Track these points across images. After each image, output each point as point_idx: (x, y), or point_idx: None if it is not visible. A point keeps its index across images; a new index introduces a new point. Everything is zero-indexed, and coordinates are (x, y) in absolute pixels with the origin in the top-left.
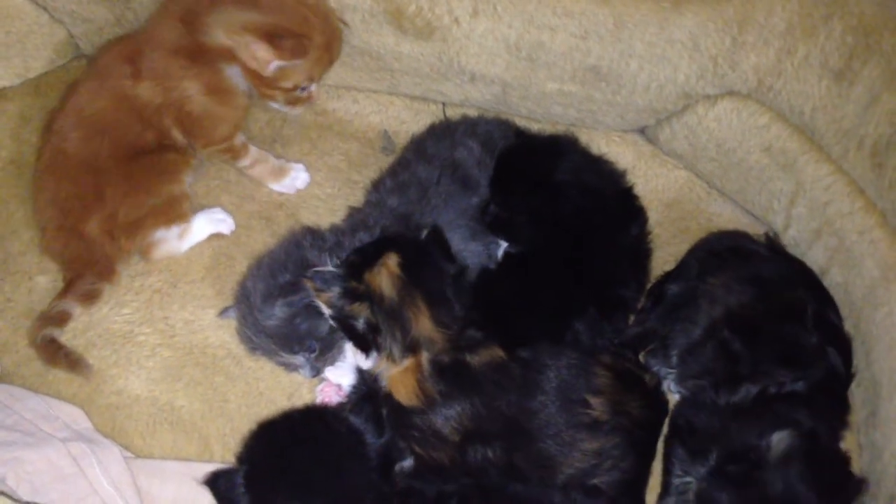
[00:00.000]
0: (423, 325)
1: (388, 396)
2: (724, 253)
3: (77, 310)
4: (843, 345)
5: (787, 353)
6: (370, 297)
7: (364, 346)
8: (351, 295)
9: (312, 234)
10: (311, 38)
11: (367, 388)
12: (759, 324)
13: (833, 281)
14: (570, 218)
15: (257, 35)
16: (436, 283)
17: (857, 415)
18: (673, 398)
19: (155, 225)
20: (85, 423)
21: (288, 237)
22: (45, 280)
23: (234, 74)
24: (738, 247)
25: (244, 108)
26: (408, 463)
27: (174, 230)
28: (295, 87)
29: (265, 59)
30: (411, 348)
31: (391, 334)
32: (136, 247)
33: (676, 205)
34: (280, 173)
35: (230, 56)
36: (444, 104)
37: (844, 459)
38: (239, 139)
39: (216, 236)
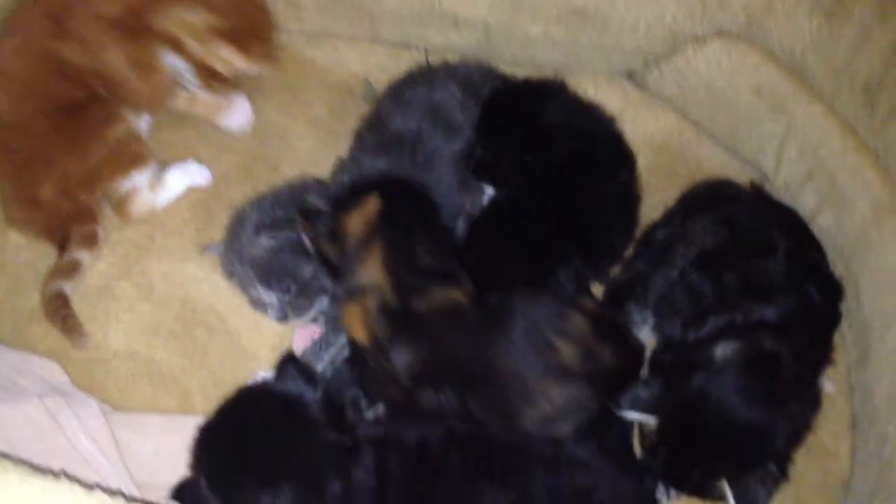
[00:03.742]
0: (372, 268)
1: (347, 333)
2: (706, 198)
3: (84, 255)
4: (828, 283)
5: (752, 283)
6: (340, 238)
7: (336, 278)
8: (330, 235)
9: (319, 183)
10: (271, 40)
11: (287, 352)
12: (725, 260)
13: (824, 224)
14: (558, 162)
15: (226, 39)
16: (405, 230)
17: (849, 356)
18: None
19: (112, 174)
20: (62, 377)
21: (295, 181)
22: (16, 236)
23: (169, 59)
24: (721, 192)
25: (170, 88)
26: (379, 409)
27: (139, 178)
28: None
29: (232, 62)
30: (358, 292)
31: (348, 276)
32: (98, 198)
33: (665, 150)
34: (219, 107)
35: (176, 46)
36: (426, 50)
37: (810, 387)
38: (165, 106)
39: (194, 188)
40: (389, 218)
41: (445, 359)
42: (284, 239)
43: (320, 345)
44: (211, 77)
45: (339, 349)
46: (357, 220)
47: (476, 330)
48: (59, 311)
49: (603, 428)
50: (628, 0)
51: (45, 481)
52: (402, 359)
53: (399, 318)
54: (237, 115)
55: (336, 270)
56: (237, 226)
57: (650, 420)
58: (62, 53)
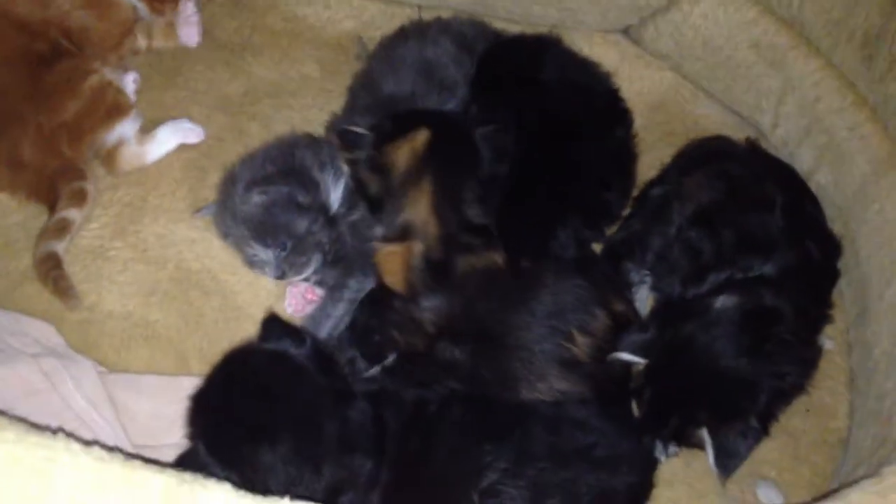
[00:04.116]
0: (421, 209)
1: (378, 275)
2: (702, 155)
3: (74, 214)
4: (825, 239)
5: (750, 238)
6: (384, 169)
7: (373, 214)
8: (370, 164)
9: (311, 138)
10: None
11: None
12: (723, 216)
13: (822, 180)
14: (554, 118)
15: None
16: (454, 173)
17: (847, 313)
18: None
19: (93, 126)
20: (56, 339)
21: (286, 137)
22: (6, 198)
23: None
24: (717, 149)
25: (129, 20)
26: (390, 360)
27: (122, 129)
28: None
29: None
30: (403, 232)
31: (389, 211)
32: (84, 153)
33: (662, 107)
34: (170, 28)
35: None
36: (419, 7)
37: (809, 345)
38: (128, 44)
39: (186, 148)
40: (439, 155)
41: (472, 316)
42: (276, 194)
43: (319, 317)
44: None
45: (337, 319)
46: (404, 153)
47: (506, 295)
48: (51, 272)
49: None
50: None
51: (43, 438)
52: (434, 310)
53: (439, 271)
54: (189, 27)
55: (374, 203)
56: (228, 185)
57: (641, 362)
58: (15, 10)
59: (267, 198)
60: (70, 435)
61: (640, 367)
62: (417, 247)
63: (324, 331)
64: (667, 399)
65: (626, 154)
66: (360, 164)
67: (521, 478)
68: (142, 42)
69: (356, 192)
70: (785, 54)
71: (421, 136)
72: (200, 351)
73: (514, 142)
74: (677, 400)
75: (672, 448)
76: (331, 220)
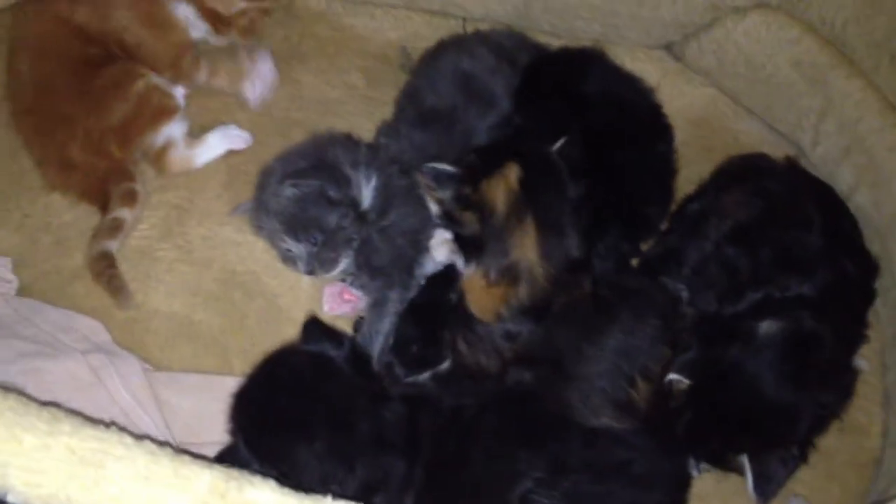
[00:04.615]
0: (528, 252)
1: (461, 297)
2: (740, 172)
3: (126, 213)
4: (863, 258)
5: (789, 257)
6: (481, 208)
7: (468, 251)
8: (462, 201)
9: (347, 137)
10: None
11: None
12: (760, 233)
13: (861, 201)
14: (596, 131)
15: None
16: (553, 208)
17: (884, 333)
18: None
19: (141, 129)
20: (104, 335)
21: (322, 134)
22: (58, 198)
23: (181, 10)
24: (755, 166)
25: (185, 43)
26: (445, 366)
27: (170, 131)
28: (252, 24)
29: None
30: (509, 274)
31: (493, 253)
32: (133, 154)
33: (702, 123)
34: (240, 76)
35: None
36: (464, 19)
37: (845, 372)
38: (187, 61)
39: (232, 153)
40: (535, 190)
41: (550, 344)
42: (307, 187)
43: (369, 333)
44: (216, 20)
45: (387, 334)
46: (501, 192)
47: (583, 324)
48: (105, 270)
49: None
50: None
51: (97, 430)
52: (518, 338)
53: (538, 309)
54: (259, 81)
55: (471, 243)
56: (263, 180)
57: (683, 381)
58: (74, 18)
59: (298, 191)
60: (122, 429)
61: (682, 386)
62: (523, 290)
63: (376, 347)
64: (708, 422)
65: (666, 169)
66: (451, 203)
67: (556, 488)
68: (203, 75)
69: (448, 229)
70: (826, 73)
71: (513, 173)
72: (243, 351)
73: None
74: (719, 424)
75: (705, 464)
76: (361, 217)
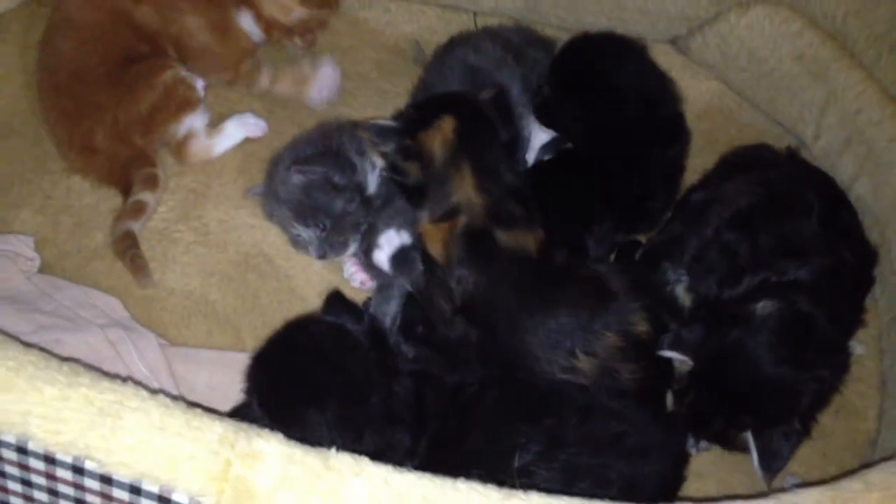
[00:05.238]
0: (466, 191)
1: (422, 246)
2: (743, 162)
3: (148, 196)
4: (861, 246)
5: (787, 243)
6: (421, 157)
7: (411, 200)
8: (404, 152)
9: (353, 125)
10: None
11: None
12: (760, 220)
13: (861, 190)
14: (617, 122)
15: None
16: (487, 151)
17: (881, 319)
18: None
19: (165, 120)
20: (122, 312)
21: (329, 122)
22: (79, 180)
23: (243, 18)
24: (757, 156)
25: (247, 49)
26: (419, 330)
27: (191, 122)
28: (308, 31)
29: (289, 6)
30: (451, 213)
31: (434, 196)
32: (154, 143)
33: (707, 116)
34: (306, 81)
35: (244, 1)
36: (474, 13)
37: (840, 351)
38: (246, 66)
39: (248, 140)
40: (468, 137)
41: (489, 303)
42: (313, 174)
43: (378, 316)
44: (273, 28)
45: (394, 316)
46: (438, 142)
47: (524, 293)
48: (128, 250)
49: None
50: None
51: (113, 384)
52: (461, 281)
53: (476, 242)
54: (325, 87)
55: (415, 191)
56: (273, 168)
57: (686, 362)
58: (135, 16)
59: (304, 178)
60: (138, 383)
61: (685, 368)
62: (462, 220)
63: (389, 316)
64: (712, 402)
65: (674, 170)
66: (394, 155)
67: (554, 461)
68: (264, 81)
69: (392, 182)
70: (828, 66)
71: (448, 124)
72: (255, 329)
73: (573, 132)
74: (723, 403)
75: (703, 443)
76: (366, 201)
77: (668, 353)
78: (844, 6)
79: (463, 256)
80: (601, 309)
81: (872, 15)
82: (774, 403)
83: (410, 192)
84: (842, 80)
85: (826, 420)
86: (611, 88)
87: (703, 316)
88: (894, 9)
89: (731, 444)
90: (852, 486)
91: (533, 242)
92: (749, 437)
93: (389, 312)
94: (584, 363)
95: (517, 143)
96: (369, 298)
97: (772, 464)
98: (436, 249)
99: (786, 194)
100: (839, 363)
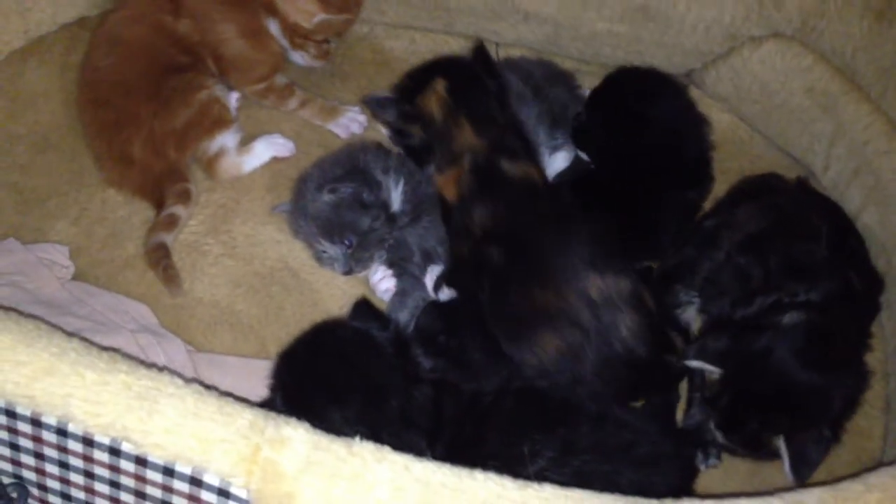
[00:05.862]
0: (467, 138)
1: (440, 197)
2: (753, 190)
3: (180, 210)
4: (867, 272)
5: (797, 266)
6: (422, 119)
7: (419, 160)
8: (405, 117)
9: (378, 146)
10: None
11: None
12: (771, 243)
13: (868, 220)
14: (643, 152)
15: None
16: (479, 102)
17: (888, 344)
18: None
19: (199, 135)
20: (151, 318)
21: (354, 143)
22: (114, 194)
23: (271, 26)
24: (768, 184)
25: (280, 54)
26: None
27: (223, 140)
28: (325, 41)
29: (311, 11)
30: (455, 159)
31: (440, 150)
32: (187, 158)
33: (720, 147)
34: (332, 113)
35: (270, 8)
36: (497, 44)
37: (860, 364)
38: (279, 81)
39: (277, 159)
40: (461, 93)
41: (512, 221)
42: (343, 193)
43: (399, 300)
44: (295, 34)
45: (403, 324)
46: (435, 102)
47: (542, 212)
48: (161, 260)
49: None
50: (689, 0)
51: (151, 371)
52: (478, 211)
53: (485, 174)
54: (351, 126)
55: (421, 150)
56: (301, 186)
57: (714, 370)
58: (176, 29)
59: (335, 197)
60: (174, 372)
61: (714, 376)
62: (468, 159)
63: (406, 311)
64: (745, 406)
65: (690, 210)
66: (397, 121)
67: (566, 466)
68: (294, 103)
69: (400, 146)
70: (837, 100)
71: (440, 85)
72: (279, 339)
73: (597, 158)
74: (756, 407)
75: (712, 459)
76: (391, 218)
77: (694, 364)
78: (853, 42)
79: (475, 189)
80: (614, 246)
81: (880, 50)
82: (808, 405)
83: (417, 152)
84: (850, 112)
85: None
86: (641, 120)
87: (730, 327)
88: None
89: (760, 449)
90: (853, 486)
91: (537, 174)
92: (781, 442)
93: (402, 319)
94: (594, 286)
95: (504, 91)
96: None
97: (802, 468)
98: (451, 194)
99: (795, 220)
100: (861, 375)
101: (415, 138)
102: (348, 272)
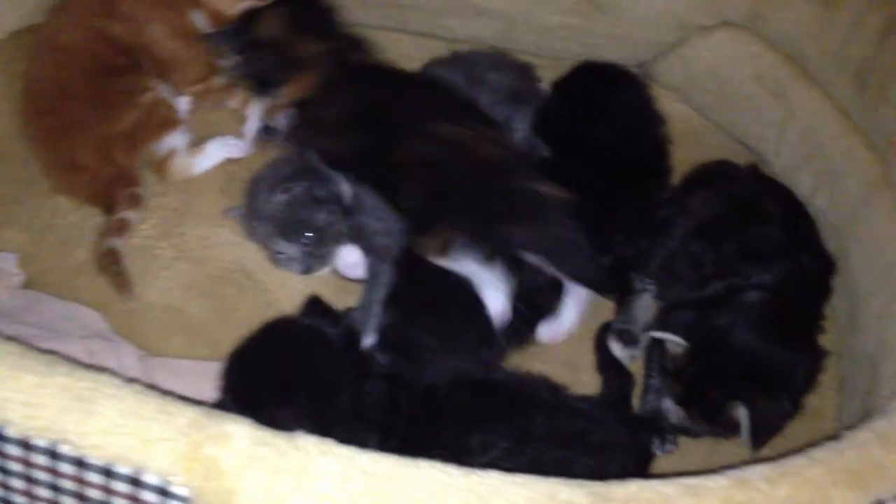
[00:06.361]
0: (306, 46)
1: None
2: (705, 177)
3: (130, 215)
4: (820, 254)
5: (750, 249)
6: (262, 41)
7: (282, 73)
8: (252, 45)
9: None
10: None
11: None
12: (723, 229)
13: (820, 203)
14: (596, 145)
15: None
16: (314, 17)
17: (841, 325)
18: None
19: (146, 138)
20: (103, 324)
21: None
22: (64, 200)
23: (197, 19)
24: (719, 171)
25: (210, 57)
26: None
27: (172, 141)
28: None
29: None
30: (300, 66)
31: (289, 63)
32: (136, 161)
33: (673, 138)
34: (276, 110)
35: (194, 1)
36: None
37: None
38: (218, 81)
39: (230, 161)
40: (301, 15)
41: (370, 108)
42: (297, 192)
43: (367, 302)
44: (219, 20)
45: (381, 304)
46: (270, 23)
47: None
48: (112, 266)
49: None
50: None
51: (89, 372)
52: (336, 102)
53: (337, 69)
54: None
55: (275, 68)
56: (253, 188)
57: (680, 342)
58: (113, 32)
59: (288, 196)
60: (114, 373)
61: (679, 350)
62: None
63: (373, 315)
64: (708, 376)
65: (650, 206)
66: (247, 51)
67: (521, 455)
68: (234, 102)
69: (248, 74)
70: (787, 86)
71: (282, 10)
72: (233, 341)
73: (561, 150)
74: (720, 377)
75: (669, 445)
76: (345, 210)
77: (659, 335)
78: (801, 28)
79: (332, 83)
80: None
81: (826, 35)
82: (770, 375)
83: (272, 72)
84: (800, 98)
85: None
86: (600, 111)
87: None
88: (845, 29)
89: (719, 421)
90: (797, 460)
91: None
92: (741, 409)
93: (377, 299)
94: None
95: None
96: (349, 308)
97: (760, 434)
98: (304, 93)
99: (748, 205)
100: (817, 354)
101: (266, 61)
102: (307, 271)
